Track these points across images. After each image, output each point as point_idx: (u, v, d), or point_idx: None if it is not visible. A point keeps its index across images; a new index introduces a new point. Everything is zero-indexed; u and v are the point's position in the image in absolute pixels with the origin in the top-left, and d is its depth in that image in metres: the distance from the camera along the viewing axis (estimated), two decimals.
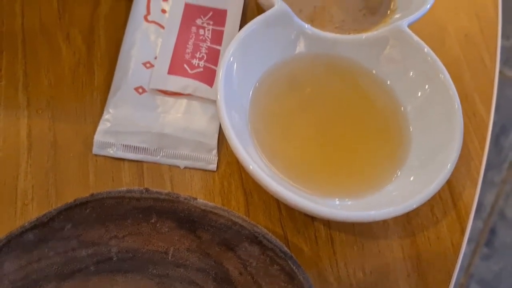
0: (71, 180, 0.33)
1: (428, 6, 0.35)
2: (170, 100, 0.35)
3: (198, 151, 0.34)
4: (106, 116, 0.34)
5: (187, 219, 0.30)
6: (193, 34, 0.38)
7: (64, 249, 0.29)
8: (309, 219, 0.34)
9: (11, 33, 0.37)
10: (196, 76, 0.36)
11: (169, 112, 0.35)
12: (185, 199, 0.29)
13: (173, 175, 0.34)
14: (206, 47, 0.37)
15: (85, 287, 0.29)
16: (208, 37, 0.38)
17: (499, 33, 0.43)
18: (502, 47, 0.44)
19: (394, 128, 0.34)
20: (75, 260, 0.29)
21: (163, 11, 0.38)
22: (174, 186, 0.34)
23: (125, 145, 0.34)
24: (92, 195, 0.29)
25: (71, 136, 0.35)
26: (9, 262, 0.28)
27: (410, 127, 0.34)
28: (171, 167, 0.34)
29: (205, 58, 0.37)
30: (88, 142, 0.34)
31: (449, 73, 0.34)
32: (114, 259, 0.30)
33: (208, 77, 0.36)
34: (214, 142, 0.35)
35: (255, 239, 0.29)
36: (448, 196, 0.35)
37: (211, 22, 0.38)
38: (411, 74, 0.35)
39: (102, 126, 0.34)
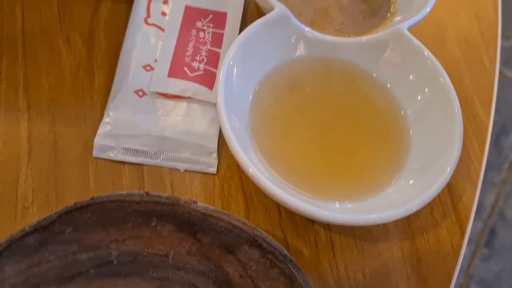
0: (72, 183, 0.33)
1: (428, 9, 0.36)
2: (170, 103, 0.35)
3: (198, 154, 0.34)
4: (106, 119, 0.35)
5: (187, 222, 0.30)
6: (193, 37, 0.38)
7: (64, 253, 0.29)
8: (309, 222, 0.34)
9: (11, 36, 0.37)
10: (196, 79, 0.36)
11: (169, 115, 0.35)
12: (185, 202, 0.29)
13: (173, 178, 0.34)
14: (206, 50, 0.37)
15: None
16: (208, 39, 0.38)
17: (499, 34, 0.43)
18: (502, 48, 0.44)
19: (394, 131, 0.34)
20: (75, 263, 0.29)
21: (163, 13, 0.38)
22: (174, 189, 0.34)
23: (125, 148, 0.34)
24: (92, 198, 0.29)
25: (71, 139, 0.35)
26: (10, 265, 0.28)
27: (410, 131, 0.34)
28: (171, 170, 0.34)
29: (205, 61, 0.37)
30: (88, 145, 0.34)
31: (449, 75, 0.34)
32: (114, 262, 0.30)
33: (208, 80, 0.36)
34: (214, 145, 0.35)
35: (255, 242, 0.29)
36: (448, 199, 0.35)
37: (211, 25, 0.38)
38: (411, 78, 0.35)
39: (102, 129, 0.34)
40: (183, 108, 0.35)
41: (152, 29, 0.38)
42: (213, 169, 0.34)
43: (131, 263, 0.30)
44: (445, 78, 0.33)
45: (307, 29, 0.35)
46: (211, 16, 0.39)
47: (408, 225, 0.34)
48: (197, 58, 0.37)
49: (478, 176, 0.37)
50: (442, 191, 0.33)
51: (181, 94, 0.35)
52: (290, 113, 0.34)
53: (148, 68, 0.36)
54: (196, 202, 0.30)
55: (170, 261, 0.30)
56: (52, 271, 0.29)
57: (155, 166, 0.34)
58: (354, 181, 0.33)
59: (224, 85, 0.31)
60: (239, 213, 0.34)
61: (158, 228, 0.30)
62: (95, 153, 0.34)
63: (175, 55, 0.37)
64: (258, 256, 0.29)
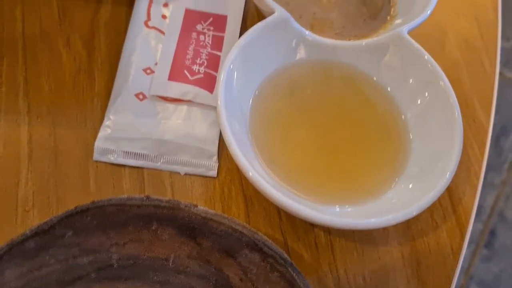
0: (72, 187, 0.33)
1: (429, 12, 0.36)
2: (171, 106, 0.35)
3: (199, 157, 0.34)
4: (106, 122, 0.35)
5: (187, 226, 0.30)
6: (194, 40, 0.38)
7: (65, 257, 0.29)
8: (309, 226, 0.34)
9: (11, 39, 0.37)
10: (196, 82, 0.36)
11: (170, 118, 0.35)
12: (186, 206, 0.29)
13: (173, 181, 0.34)
14: (207, 53, 0.37)
15: None
16: (208, 43, 0.38)
17: (499, 36, 0.43)
18: (502, 49, 0.44)
19: (394, 135, 0.34)
20: (76, 267, 0.29)
21: (164, 16, 0.38)
22: (175, 192, 0.34)
23: (126, 152, 0.34)
24: (93, 202, 0.29)
25: (72, 142, 0.35)
26: (10, 269, 0.28)
27: (410, 134, 0.34)
28: (172, 173, 0.34)
29: (205, 64, 0.37)
30: (89, 148, 0.34)
31: (449, 77, 0.34)
32: (115, 266, 0.30)
33: (209, 83, 0.36)
34: (214, 148, 0.35)
35: (256, 246, 0.29)
36: (448, 202, 0.35)
37: (212, 28, 0.38)
38: (411, 81, 0.35)
39: (103, 132, 0.34)
40: (183, 112, 0.35)
41: (153, 32, 0.38)
42: (214, 173, 0.34)
43: (132, 267, 0.30)
44: (445, 82, 0.33)
45: (307, 32, 0.35)
46: (211, 19, 0.39)
47: (408, 228, 0.34)
48: (198, 61, 0.37)
49: (478, 179, 0.37)
50: (442, 195, 0.33)
51: (182, 98, 0.35)
52: (290, 116, 0.35)
53: (148, 71, 0.36)
54: (196, 206, 0.30)
55: (170, 264, 0.30)
56: (53, 275, 0.29)
57: (155, 170, 0.34)
58: (354, 185, 0.33)
59: (225, 88, 0.31)
60: (240, 216, 0.34)
61: (158, 232, 0.30)
62: (96, 156, 0.34)
63: (176, 58, 0.37)
64: (258, 260, 0.29)
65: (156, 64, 0.37)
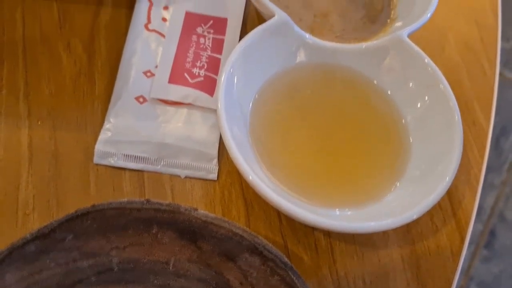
0: (72, 190, 0.33)
1: (429, 15, 0.36)
2: (171, 109, 0.35)
3: (199, 160, 0.34)
4: (107, 125, 0.35)
5: (188, 229, 0.30)
6: (194, 43, 0.38)
7: (65, 260, 0.29)
8: (310, 229, 0.34)
9: (12, 42, 0.37)
10: (196, 86, 0.36)
11: (170, 121, 0.35)
12: (186, 210, 0.30)
13: (174, 184, 0.34)
14: (207, 56, 0.37)
15: None
16: (208, 45, 0.38)
17: (499, 38, 0.43)
18: (502, 49, 0.44)
19: (394, 138, 0.34)
20: (76, 271, 0.29)
21: (164, 19, 0.39)
22: (175, 195, 0.34)
23: (126, 155, 0.34)
24: (93, 206, 0.29)
25: (72, 145, 0.35)
26: (11, 273, 0.28)
27: (410, 138, 0.34)
28: (172, 176, 0.34)
29: (205, 67, 0.37)
30: (89, 151, 0.34)
31: (449, 80, 0.34)
32: (115, 269, 0.30)
33: (209, 86, 0.36)
34: (214, 151, 0.35)
35: (256, 250, 0.29)
36: (448, 205, 0.35)
37: (212, 31, 0.38)
38: (411, 85, 0.35)
39: (103, 135, 0.34)
40: (183, 115, 0.35)
41: (153, 35, 0.38)
42: (214, 176, 0.34)
43: (132, 271, 0.30)
44: (445, 85, 0.33)
45: (307, 35, 0.35)
46: (211, 22, 0.39)
47: (408, 231, 0.34)
48: (198, 64, 0.37)
49: (478, 182, 0.37)
50: (442, 197, 0.33)
51: (182, 101, 0.35)
52: (290, 119, 0.35)
53: (148, 74, 0.36)
54: (196, 210, 0.30)
55: (170, 268, 0.30)
56: (53, 278, 0.29)
57: (155, 173, 0.34)
58: (354, 188, 0.33)
59: (225, 92, 0.32)
60: (240, 219, 0.34)
61: (158, 236, 0.30)
62: (96, 159, 0.34)
63: (176, 61, 0.37)
64: (258, 264, 0.29)
65: (156, 67, 0.37)
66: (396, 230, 0.34)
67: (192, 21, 0.38)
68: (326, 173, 0.33)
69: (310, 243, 0.33)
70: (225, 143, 0.30)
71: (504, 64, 1.07)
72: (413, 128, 0.34)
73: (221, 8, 0.39)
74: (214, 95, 0.36)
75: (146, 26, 0.38)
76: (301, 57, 0.36)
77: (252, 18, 0.40)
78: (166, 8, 0.39)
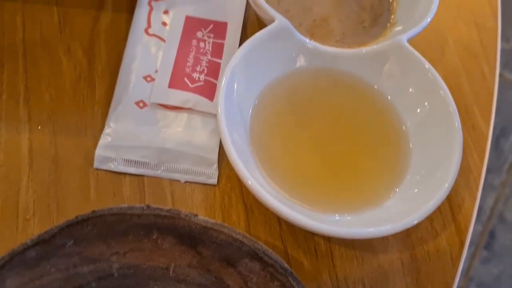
0: (72, 195, 0.34)
1: (429, 19, 0.36)
2: (171, 114, 0.35)
3: (199, 165, 0.34)
4: (107, 130, 0.35)
5: (188, 235, 0.30)
6: (194, 47, 0.38)
7: (65, 266, 0.29)
8: (309, 234, 0.34)
9: (12, 47, 0.37)
10: (196, 90, 0.36)
11: (170, 126, 0.35)
12: (186, 215, 0.30)
13: (174, 189, 0.34)
14: (207, 60, 0.37)
15: None
16: (208, 50, 0.38)
17: (499, 40, 0.43)
18: (502, 50, 0.44)
19: (394, 144, 0.34)
20: (76, 276, 0.29)
21: (164, 24, 0.39)
22: (175, 200, 0.34)
23: (126, 160, 0.34)
24: (93, 211, 0.29)
25: (72, 150, 0.35)
26: (11, 279, 0.28)
27: (410, 143, 0.34)
28: (172, 181, 0.35)
29: (205, 72, 0.37)
30: (89, 156, 0.34)
31: (449, 83, 0.34)
32: (115, 275, 0.30)
33: (209, 91, 0.36)
34: (214, 156, 0.35)
35: (256, 255, 0.29)
36: (448, 210, 0.35)
37: (212, 35, 0.38)
38: (410, 90, 0.35)
39: (103, 140, 0.34)
40: (183, 119, 0.35)
41: (153, 40, 0.38)
42: (214, 180, 0.34)
43: (132, 276, 0.30)
44: (445, 91, 0.33)
45: (307, 40, 0.35)
46: (211, 26, 0.39)
47: (408, 236, 0.34)
48: (198, 68, 0.37)
49: (477, 187, 0.37)
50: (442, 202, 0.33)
51: (182, 105, 0.35)
52: (290, 124, 0.35)
53: (148, 79, 0.36)
54: (196, 215, 0.30)
55: (171, 273, 0.30)
56: (54, 284, 0.29)
57: (155, 177, 0.34)
58: (354, 193, 0.33)
59: (225, 97, 0.32)
60: (240, 224, 0.34)
61: (159, 241, 0.30)
62: (96, 164, 0.34)
63: (176, 66, 0.37)
64: (258, 269, 0.29)
65: (156, 71, 0.37)
66: (396, 235, 0.34)
67: (192, 25, 0.39)
68: (325, 178, 0.33)
69: (310, 248, 0.34)
70: (225, 148, 0.30)
71: (504, 65, 1.07)
72: (413, 133, 0.34)
73: (221, 12, 0.39)
74: (214, 100, 0.36)
75: (146, 31, 0.38)
76: (301, 62, 0.36)
77: (252, 22, 0.40)
78: (166, 12, 0.39)
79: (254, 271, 0.29)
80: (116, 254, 0.30)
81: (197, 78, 0.36)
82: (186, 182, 0.34)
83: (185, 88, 0.36)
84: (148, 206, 0.30)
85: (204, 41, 0.38)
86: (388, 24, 0.38)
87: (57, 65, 0.37)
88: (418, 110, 0.34)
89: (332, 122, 0.35)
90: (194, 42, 0.38)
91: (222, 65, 0.37)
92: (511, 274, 0.92)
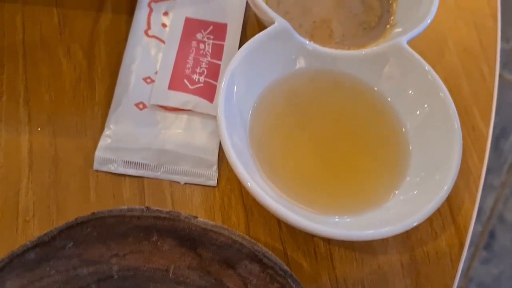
0: (72, 196, 0.34)
1: (428, 21, 0.36)
2: (171, 116, 0.35)
3: (199, 167, 0.34)
4: (107, 132, 0.35)
5: (187, 237, 0.30)
6: (194, 49, 0.38)
7: (65, 268, 0.29)
8: (309, 235, 0.34)
9: (12, 48, 0.37)
10: (196, 92, 0.36)
11: (170, 128, 0.35)
12: (186, 217, 0.30)
13: (173, 191, 0.34)
14: (207, 62, 0.37)
15: None
16: (208, 51, 0.38)
17: (499, 41, 0.43)
18: (502, 50, 0.44)
19: (394, 146, 0.34)
20: (76, 278, 0.29)
21: (164, 25, 0.39)
22: (175, 202, 0.34)
23: (126, 161, 0.34)
24: (93, 213, 0.29)
25: (72, 151, 0.35)
26: (11, 281, 0.28)
27: (410, 145, 0.34)
28: (172, 182, 0.35)
29: (205, 73, 0.37)
30: (89, 158, 0.34)
31: (448, 84, 0.34)
32: (115, 277, 0.30)
33: (209, 92, 0.36)
34: (214, 158, 0.35)
35: (255, 257, 0.29)
36: (447, 211, 0.35)
37: (212, 36, 0.38)
38: (410, 92, 0.35)
39: (103, 142, 0.34)
40: (183, 121, 0.35)
41: (153, 41, 0.38)
42: (213, 182, 0.35)
43: (132, 278, 0.30)
44: (445, 94, 0.33)
45: (307, 42, 0.35)
46: (211, 27, 0.39)
47: (407, 238, 0.34)
48: (197, 70, 0.37)
49: (477, 188, 0.37)
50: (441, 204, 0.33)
51: (182, 107, 0.35)
52: (290, 126, 0.35)
53: (148, 80, 0.36)
54: (196, 217, 0.30)
55: (170, 275, 0.30)
56: (53, 286, 0.29)
57: (155, 179, 0.34)
58: (354, 195, 0.33)
59: (225, 98, 0.32)
60: (239, 225, 0.34)
61: (158, 243, 0.30)
62: (96, 166, 0.34)
63: (176, 67, 0.37)
64: (258, 271, 0.29)
65: (156, 73, 0.37)
66: (395, 236, 0.34)
67: (192, 26, 0.39)
68: (325, 180, 0.33)
69: (310, 250, 0.34)
70: (224, 150, 0.30)
71: (503, 65, 1.07)
72: (412, 135, 0.34)
73: (221, 14, 0.39)
74: (214, 101, 0.36)
75: (146, 32, 0.38)
76: (301, 63, 0.36)
77: (252, 24, 0.40)
78: (166, 14, 0.39)
79: (254, 273, 0.29)
80: (116, 256, 0.30)
81: (196, 80, 0.36)
82: (185, 183, 0.35)
83: (184, 89, 0.36)
84: (148, 208, 0.30)
85: (204, 42, 0.38)
86: (388, 26, 0.38)
87: (57, 66, 0.37)
88: (418, 112, 0.34)
89: (331, 124, 0.35)
90: (194, 43, 0.38)
91: (222, 67, 0.37)
92: (510, 274, 0.92)
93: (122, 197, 0.34)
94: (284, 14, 0.37)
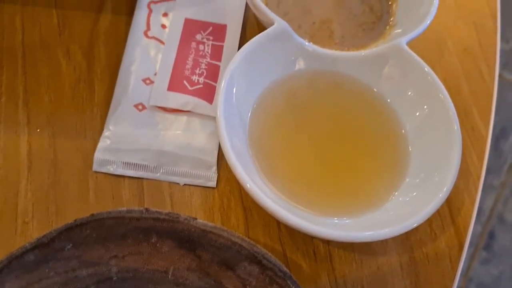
0: (71, 198, 0.33)
1: (428, 22, 0.35)
2: (170, 117, 0.35)
3: (198, 168, 0.34)
4: (106, 133, 0.35)
5: (187, 238, 0.30)
6: (193, 50, 0.38)
7: (64, 269, 0.29)
8: (308, 236, 0.34)
9: (11, 49, 0.37)
10: (195, 93, 0.36)
11: (169, 129, 0.35)
12: (185, 219, 0.30)
13: (173, 192, 0.34)
14: (206, 63, 0.37)
15: None
16: (207, 52, 0.38)
17: (498, 41, 0.43)
18: (502, 50, 0.44)
19: (393, 147, 0.34)
20: (75, 280, 0.29)
21: (163, 26, 0.39)
22: (174, 203, 0.34)
23: (125, 163, 0.34)
24: (92, 215, 0.29)
25: (71, 153, 0.35)
26: (10, 282, 0.28)
27: (409, 146, 0.34)
28: (171, 184, 0.34)
29: (204, 74, 0.37)
30: (88, 159, 0.34)
31: (448, 85, 0.34)
32: (114, 278, 0.30)
33: (208, 93, 0.36)
34: (213, 159, 0.35)
35: (255, 259, 0.29)
36: (447, 212, 0.35)
37: (211, 37, 0.38)
38: (409, 93, 0.35)
39: (102, 143, 0.34)
40: (183, 122, 0.35)
41: (152, 42, 0.38)
42: (213, 183, 0.34)
43: (131, 279, 0.30)
44: (445, 95, 0.33)
45: (307, 43, 0.35)
46: (210, 28, 0.39)
47: (406, 239, 0.34)
48: (197, 71, 0.37)
49: (476, 189, 0.37)
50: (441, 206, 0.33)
51: (181, 108, 0.35)
52: (289, 127, 0.35)
53: (147, 81, 0.36)
54: (195, 219, 0.30)
55: (169, 277, 0.30)
56: (52, 287, 0.29)
57: (155, 180, 0.34)
58: (353, 196, 0.33)
59: (224, 99, 0.32)
60: (239, 227, 0.34)
61: (158, 245, 0.30)
62: (95, 167, 0.34)
63: (175, 69, 0.37)
64: (257, 272, 0.29)
65: (155, 74, 0.37)
66: (395, 238, 0.34)
67: (191, 27, 0.38)
68: (324, 181, 0.33)
69: (309, 251, 0.34)
70: (223, 151, 0.30)
71: (503, 65, 1.07)
72: (412, 136, 0.34)
73: (221, 15, 0.39)
74: (213, 102, 0.36)
75: (145, 33, 0.38)
76: (300, 64, 0.36)
77: (252, 25, 0.40)
78: (165, 15, 0.39)
79: (253, 275, 0.29)
80: (115, 258, 0.30)
81: (196, 81, 0.36)
82: (185, 185, 0.34)
83: (184, 90, 0.36)
84: (147, 210, 0.30)
85: (203, 43, 0.38)
86: (388, 27, 0.38)
87: (56, 67, 0.37)
88: (417, 113, 0.34)
89: (331, 125, 0.35)
90: (193, 44, 0.38)
91: (221, 68, 0.37)
92: (510, 275, 0.92)
93: (121, 198, 0.34)
94: (284, 15, 0.37)
